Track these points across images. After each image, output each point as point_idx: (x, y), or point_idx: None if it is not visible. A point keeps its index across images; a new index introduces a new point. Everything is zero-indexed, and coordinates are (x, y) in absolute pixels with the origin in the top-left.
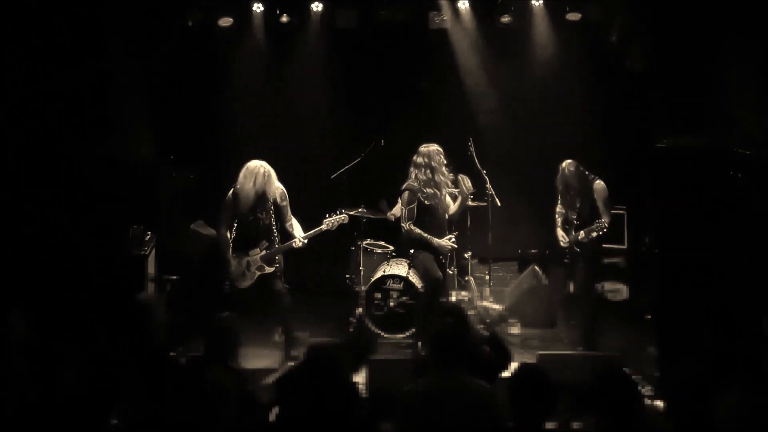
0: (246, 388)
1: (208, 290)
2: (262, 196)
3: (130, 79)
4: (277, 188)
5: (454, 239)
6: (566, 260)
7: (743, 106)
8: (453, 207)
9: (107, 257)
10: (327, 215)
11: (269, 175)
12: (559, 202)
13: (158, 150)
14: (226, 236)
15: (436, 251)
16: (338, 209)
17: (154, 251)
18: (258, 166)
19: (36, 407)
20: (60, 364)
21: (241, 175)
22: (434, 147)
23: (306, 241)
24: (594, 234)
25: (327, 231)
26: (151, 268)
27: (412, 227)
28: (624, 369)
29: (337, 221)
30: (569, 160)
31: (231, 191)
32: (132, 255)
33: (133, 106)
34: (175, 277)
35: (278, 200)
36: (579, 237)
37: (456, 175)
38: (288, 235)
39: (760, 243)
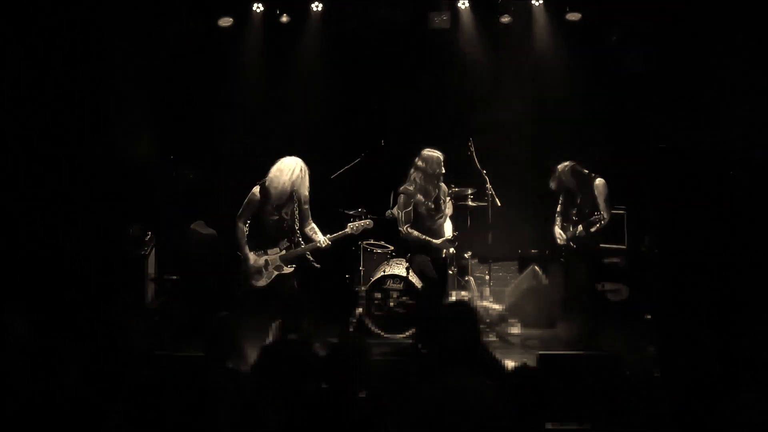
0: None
1: (209, 290)
2: (292, 194)
3: (130, 78)
4: (306, 189)
5: (457, 232)
6: (561, 259)
7: (743, 106)
8: (447, 211)
9: (107, 257)
10: (351, 219)
11: (306, 174)
12: (560, 202)
13: (158, 150)
14: (244, 231)
15: (432, 253)
16: (364, 214)
17: (154, 251)
18: (297, 161)
19: (36, 407)
20: (60, 364)
21: (275, 168)
22: (436, 155)
23: (330, 242)
24: (593, 228)
25: (351, 235)
26: (151, 268)
27: (410, 230)
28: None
29: (362, 226)
30: (566, 163)
31: (258, 187)
32: (132, 255)
33: (133, 105)
34: (175, 277)
35: (302, 202)
36: (577, 232)
37: (449, 188)
38: (308, 238)
39: (760, 243)
